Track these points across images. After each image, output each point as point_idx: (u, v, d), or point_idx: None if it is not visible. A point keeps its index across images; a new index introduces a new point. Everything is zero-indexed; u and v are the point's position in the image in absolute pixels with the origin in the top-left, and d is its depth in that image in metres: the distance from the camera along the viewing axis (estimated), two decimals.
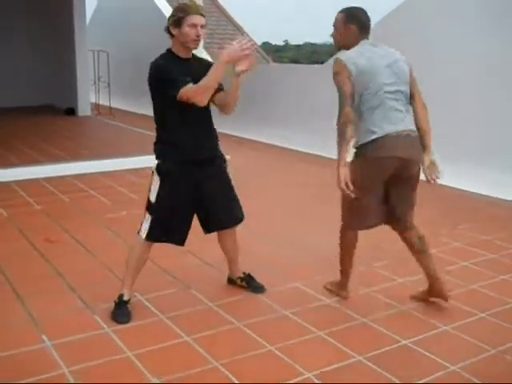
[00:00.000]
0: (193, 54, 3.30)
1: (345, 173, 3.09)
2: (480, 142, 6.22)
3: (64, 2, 12.35)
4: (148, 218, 3.25)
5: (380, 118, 3.14)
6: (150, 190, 3.28)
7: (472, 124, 6.26)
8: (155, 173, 3.24)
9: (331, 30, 3.33)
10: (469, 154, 6.19)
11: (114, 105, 13.07)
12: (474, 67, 6.24)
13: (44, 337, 3.01)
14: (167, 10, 12.72)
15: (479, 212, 5.49)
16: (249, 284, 3.64)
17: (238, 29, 17.07)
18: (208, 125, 3.32)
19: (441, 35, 6.59)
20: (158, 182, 3.22)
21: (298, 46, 38.54)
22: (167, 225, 3.28)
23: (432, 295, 3.41)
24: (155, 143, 3.30)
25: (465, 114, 6.33)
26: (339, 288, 3.58)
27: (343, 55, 3.20)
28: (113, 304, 3.28)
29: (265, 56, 16.82)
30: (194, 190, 3.27)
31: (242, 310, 3.38)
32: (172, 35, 3.18)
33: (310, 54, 31.18)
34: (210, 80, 3.04)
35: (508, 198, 5.76)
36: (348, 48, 3.26)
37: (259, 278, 3.68)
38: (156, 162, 3.26)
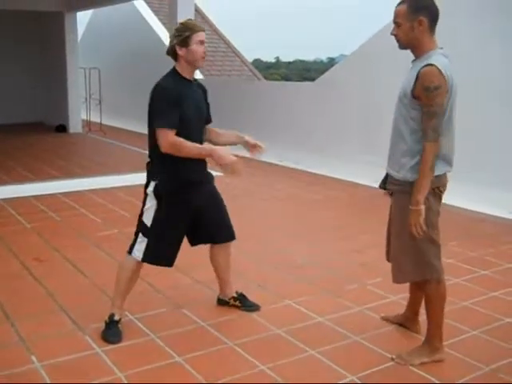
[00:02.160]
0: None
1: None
2: (468, 158, 6.27)
3: (55, 21, 12.40)
4: (143, 241, 3.19)
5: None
6: (143, 212, 3.21)
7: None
8: (152, 196, 3.16)
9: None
10: (456, 171, 6.22)
11: (105, 122, 13.08)
12: None
13: (33, 358, 2.97)
14: (159, 28, 12.79)
15: (469, 228, 5.51)
16: (242, 303, 3.61)
17: (229, 46, 17.19)
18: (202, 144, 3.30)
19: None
20: (155, 206, 3.15)
21: (289, 63, 38.82)
22: (162, 248, 3.23)
23: (405, 325, 3.39)
24: (150, 163, 3.22)
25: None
26: (433, 352, 3.00)
27: (437, 62, 2.72)
28: (104, 324, 3.25)
29: (256, 73, 16.91)
30: (191, 211, 3.25)
31: (234, 330, 3.36)
32: (176, 56, 3.13)
33: (301, 71, 31.40)
34: (190, 151, 3.07)
35: (497, 214, 5.79)
36: (417, 48, 2.82)
37: (250, 297, 3.66)
38: (152, 183, 3.15)
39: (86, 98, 13.08)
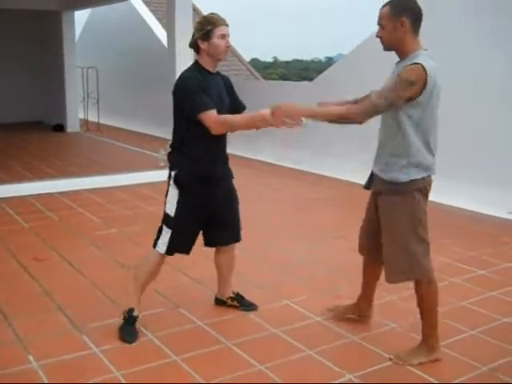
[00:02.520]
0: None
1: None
2: (467, 158, 6.28)
3: (53, 20, 12.38)
4: (167, 232, 3.21)
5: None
6: (166, 203, 3.24)
7: (451, 137, 6.31)
8: (173, 185, 3.19)
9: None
10: (453, 170, 6.23)
11: (103, 121, 13.06)
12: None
13: (30, 357, 2.97)
14: (157, 27, 12.77)
15: (467, 228, 5.51)
16: (240, 303, 3.61)
17: None
18: (225, 140, 3.32)
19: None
20: (177, 195, 3.18)
21: (287, 62, 38.85)
22: (185, 237, 3.26)
23: (355, 313, 3.43)
24: (171, 152, 3.27)
25: (448, 130, 6.38)
26: (430, 351, 3.00)
27: (424, 62, 2.72)
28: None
29: (254, 73, 16.90)
30: (209, 203, 3.26)
31: (232, 329, 3.36)
32: (199, 49, 3.18)
33: (299, 71, 31.41)
34: (240, 125, 3.11)
35: (495, 214, 5.79)
36: (400, 49, 2.86)
37: (248, 297, 3.66)
38: (173, 173, 3.20)
39: (84, 98, 13.06)
